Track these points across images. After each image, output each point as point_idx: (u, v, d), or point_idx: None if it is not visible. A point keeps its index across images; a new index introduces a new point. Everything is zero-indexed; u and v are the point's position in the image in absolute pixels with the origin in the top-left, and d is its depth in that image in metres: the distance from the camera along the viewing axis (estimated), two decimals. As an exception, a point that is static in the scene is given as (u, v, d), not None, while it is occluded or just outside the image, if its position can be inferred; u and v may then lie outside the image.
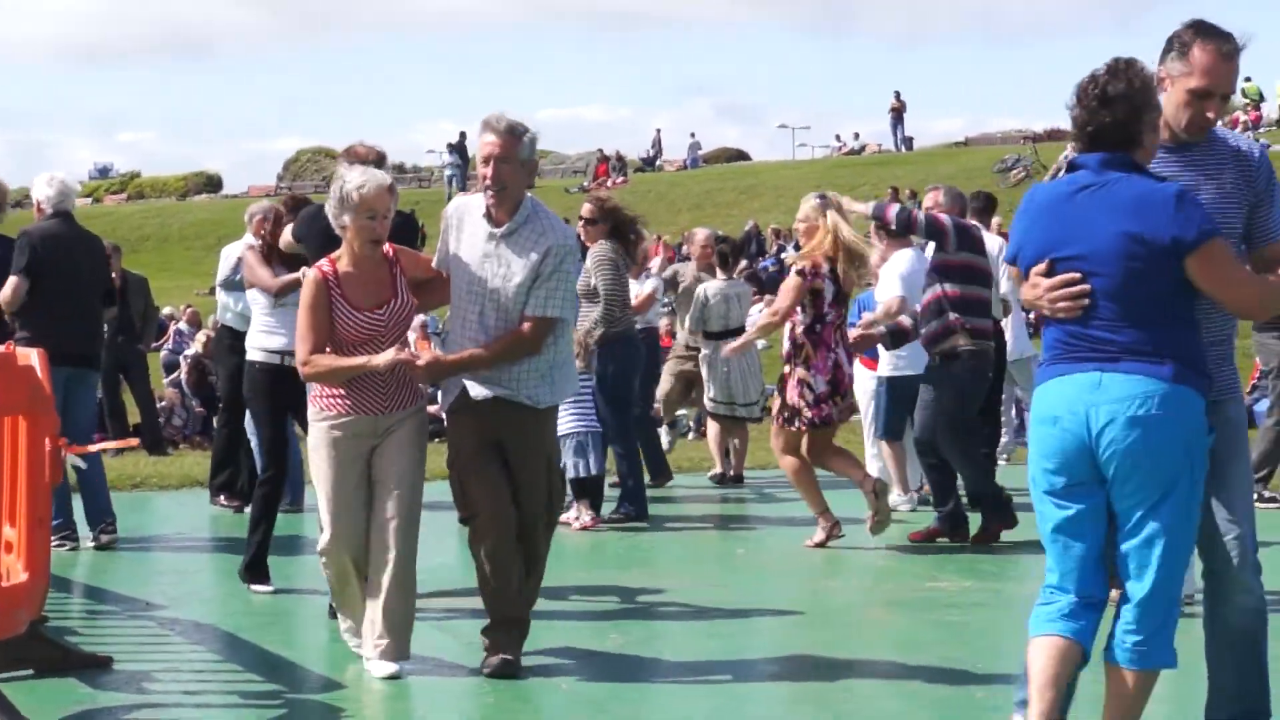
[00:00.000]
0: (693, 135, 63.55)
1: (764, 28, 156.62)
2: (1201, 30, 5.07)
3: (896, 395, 11.66)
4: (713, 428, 14.39)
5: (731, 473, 14.25)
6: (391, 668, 6.56)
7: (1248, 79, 47.75)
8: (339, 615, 6.99)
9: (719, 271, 14.38)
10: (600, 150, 60.66)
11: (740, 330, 13.61)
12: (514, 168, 6.60)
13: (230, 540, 10.38)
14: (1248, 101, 47.20)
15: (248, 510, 10.44)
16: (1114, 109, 4.85)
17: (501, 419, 6.66)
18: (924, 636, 7.50)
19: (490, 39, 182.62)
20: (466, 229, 6.71)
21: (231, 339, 12.05)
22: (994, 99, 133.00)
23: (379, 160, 7.65)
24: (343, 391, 6.64)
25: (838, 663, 6.88)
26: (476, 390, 6.65)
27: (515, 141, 6.58)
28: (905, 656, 7.00)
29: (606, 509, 11.51)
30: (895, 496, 11.72)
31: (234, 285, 11.76)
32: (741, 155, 67.18)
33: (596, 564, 9.75)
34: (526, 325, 6.60)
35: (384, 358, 6.50)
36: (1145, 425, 4.69)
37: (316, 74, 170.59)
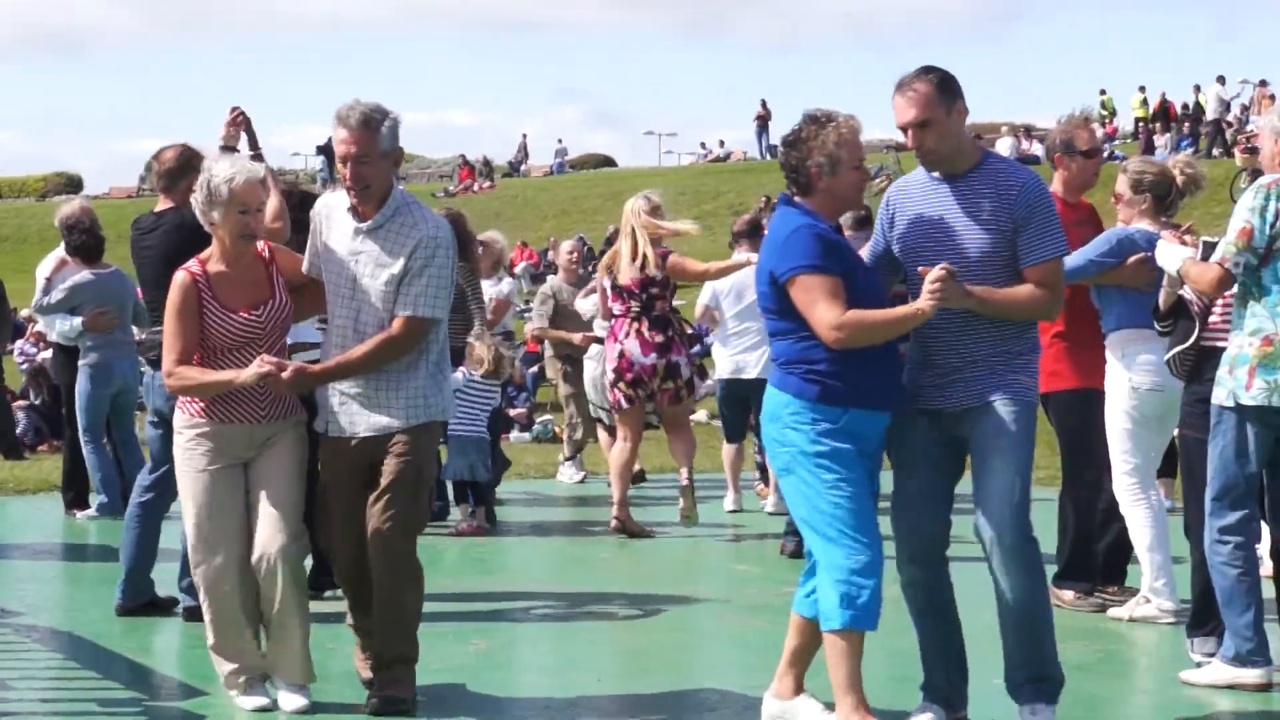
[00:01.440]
0: (560, 141, 63.60)
1: (639, 34, 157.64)
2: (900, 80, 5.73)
3: (731, 397, 12.06)
4: (605, 436, 14.42)
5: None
6: (300, 701, 6.14)
7: (1102, 91, 48.70)
8: (215, 659, 6.30)
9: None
10: (463, 155, 60.46)
11: None
12: (375, 164, 6.06)
13: (87, 547, 10.22)
14: (1105, 114, 48.03)
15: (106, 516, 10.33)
16: (787, 155, 5.70)
17: (376, 443, 6.16)
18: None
19: (360, 41, 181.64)
20: (334, 228, 6.22)
21: (64, 356, 11.95)
22: (864, 108, 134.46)
23: (189, 159, 7.50)
24: (213, 398, 6.16)
25: (699, 664, 6.91)
26: (343, 426, 6.20)
27: (372, 135, 6.03)
28: (762, 658, 7.04)
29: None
30: (729, 500, 12.32)
31: (52, 309, 11.64)
32: (608, 161, 67.27)
33: (443, 572, 9.67)
34: (397, 325, 6.07)
35: (249, 373, 5.99)
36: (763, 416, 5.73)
37: (184, 74, 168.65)
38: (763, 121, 57.68)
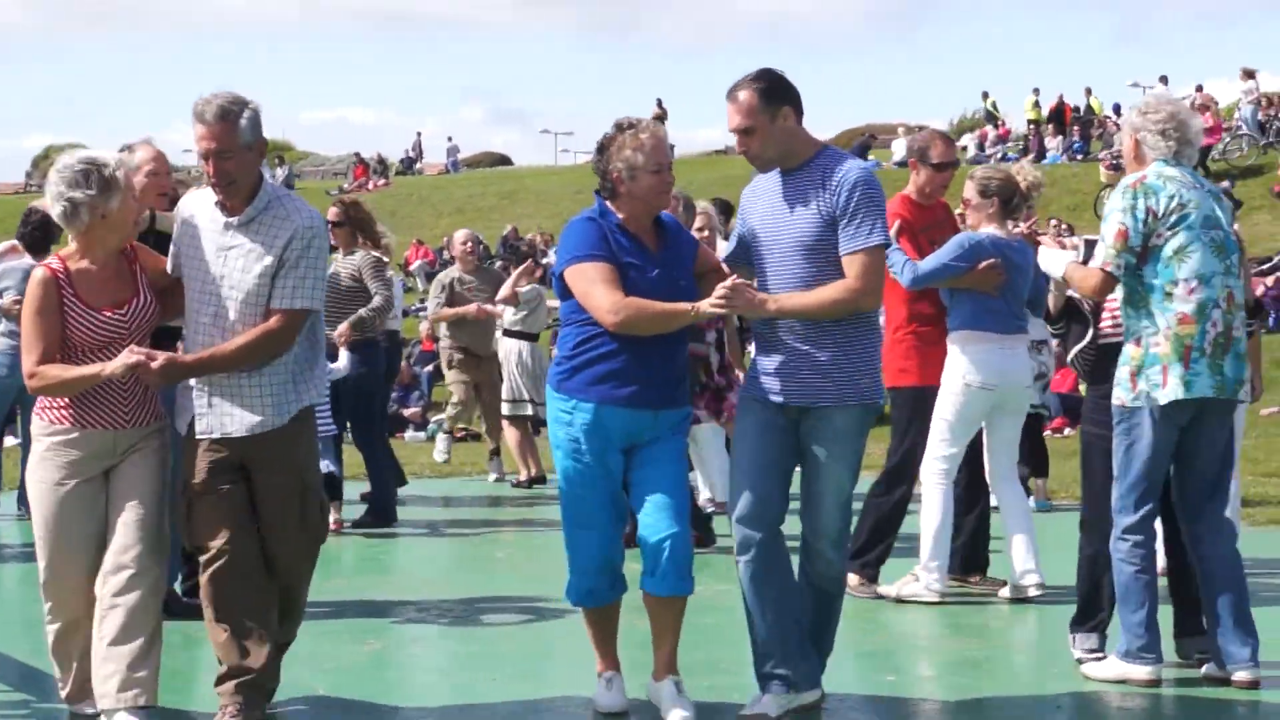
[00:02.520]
0: (450, 139, 63.30)
1: (546, 33, 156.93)
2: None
3: None
4: (512, 432, 14.56)
5: (534, 473, 14.45)
6: None
7: (985, 94, 49.16)
8: (60, 678, 6.08)
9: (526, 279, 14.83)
10: (358, 154, 60.10)
11: (537, 335, 14.32)
12: (238, 158, 5.79)
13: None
14: (999, 116, 48.51)
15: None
16: (596, 160, 5.99)
17: (249, 444, 5.92)
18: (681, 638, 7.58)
19: (259, 38, 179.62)
20: (200, 225, 5.93)
21: None
22: None
23: None
24: (74, 401, 5.83)
25: (594, 663, 6.92)
26: (211, 426, 5.92)
27: (231, 128, 5.76)
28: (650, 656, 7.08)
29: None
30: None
31: None
32: (504, 160, 67.09)
33: (338, 571, 9.66)
34: (274, 319, 5.82)
35: (118, 363, 5.68)
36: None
37: (71, 71, 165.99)
38: (658, 121, 57.74)
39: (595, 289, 5.79)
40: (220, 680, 5.88)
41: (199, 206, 5.98)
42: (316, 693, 6.40)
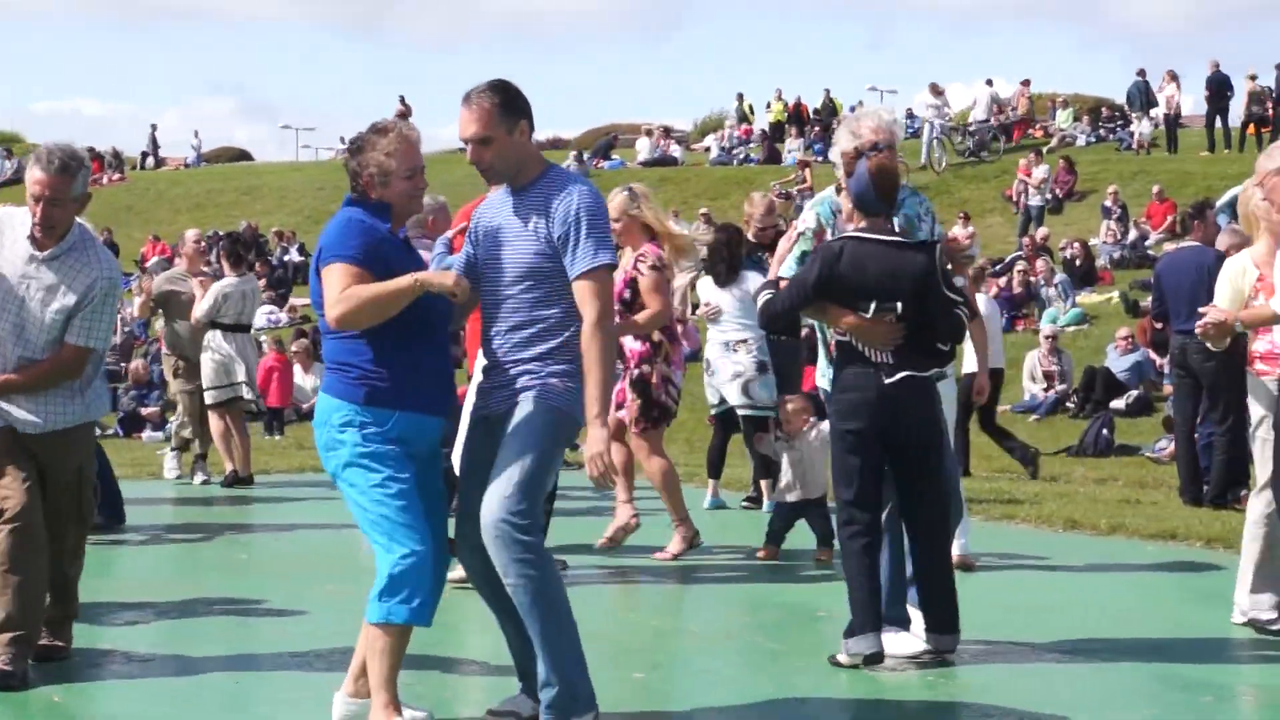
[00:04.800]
0: (196, 135, 61.98)
1: (298, 28, 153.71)
2: None
3: None
4: (216, 424, 14.34)
5: (240, 472, 14.24)
6: None
7: (740, 96, 49.85)
8: None
9: (229, 269, 14.73)
10: (92, 147, 58.52)
11: (249, 327, 14.26)
12: (65, 207, 6.50)
13: None
14: (752, 119, 49.16)
15: None
16: (348, 161, 5.86)
17: (34, 439, 6.57)
18: (429, 636, 7.51)
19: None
20: (6, 246, 6.55)
21: None
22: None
23: None
24: None
25: (318, 662, 6.81)
26: (5, 420, 6.57)
27: (68, 181, 6.47)
28: (410, 661, 6.99)
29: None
30: None
31: None
32: (245, 155, 66.00)
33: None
34: (69, 352, 6.54)
35: None
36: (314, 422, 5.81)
37: None
38: (402, 119, 57.24)
39: (335, 288, 5.61)
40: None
41: (8, 226, 6.61)
42: (53, 698, 6.20)
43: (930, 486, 7.00)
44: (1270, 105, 35.68)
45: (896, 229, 7.07)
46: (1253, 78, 36.21)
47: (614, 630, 7.80)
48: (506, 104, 5.80)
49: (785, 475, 10.11)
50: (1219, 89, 35.94)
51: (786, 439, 10.18)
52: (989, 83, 41.63)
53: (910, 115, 42.32)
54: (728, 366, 11.77)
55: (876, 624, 6.85)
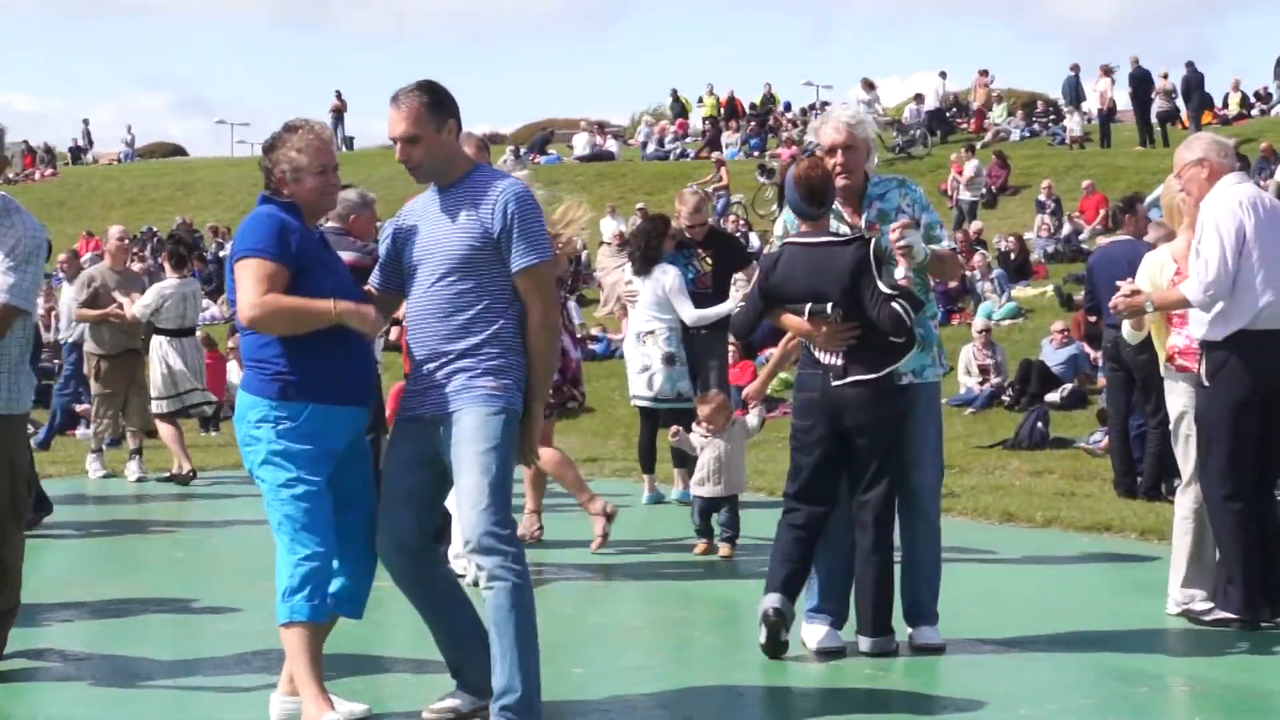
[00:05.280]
0: (129, 129, 61.55)
1: (238, 21, 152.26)
2: None
3: None
4: (165, 428, 14.36)
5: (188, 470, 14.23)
6: None
7: (674, 91, 49.91)
8: None
9: (170, 270, 14.64)
10: (26, 141, 57.99)
11: (193, 329, 14.25)
12: None
13: None
14: (689, 110, 49.18)
15: None
16: (263, 159, 5.91)
17: None
18: (367, 634, 7.49)
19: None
20: None
21: None
22: (467, 101, 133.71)
23: None
24: None
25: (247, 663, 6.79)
26: None
27: None
28: (340, 654, 6.97)
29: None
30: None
31: None
32: (179, 150, 65.56)
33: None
34: None
35: None
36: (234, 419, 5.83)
37: None
38: (338, 113, 57.08)
39: (249, 284, 5.63)
40: None
41: None
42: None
43: (873, 492, 7.04)
44: (1178, 102, 36.22)
45: (835, 228, 7.15)
46: (1164, 76, 36.72)
47: (551, 626, 7.76)
48: (434, 104, 5.83)
49: (700, 469, 10.07)
50: (1140, 85, 36.31)
51: (706, 435, 10.09)
52: (942, 75, 41.84)
53: (845, 110, 42.39)
54: (637, 358, 11.79)
55: (783, 586, 6.99)
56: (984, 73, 43.04)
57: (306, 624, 5.65)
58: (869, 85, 40.00)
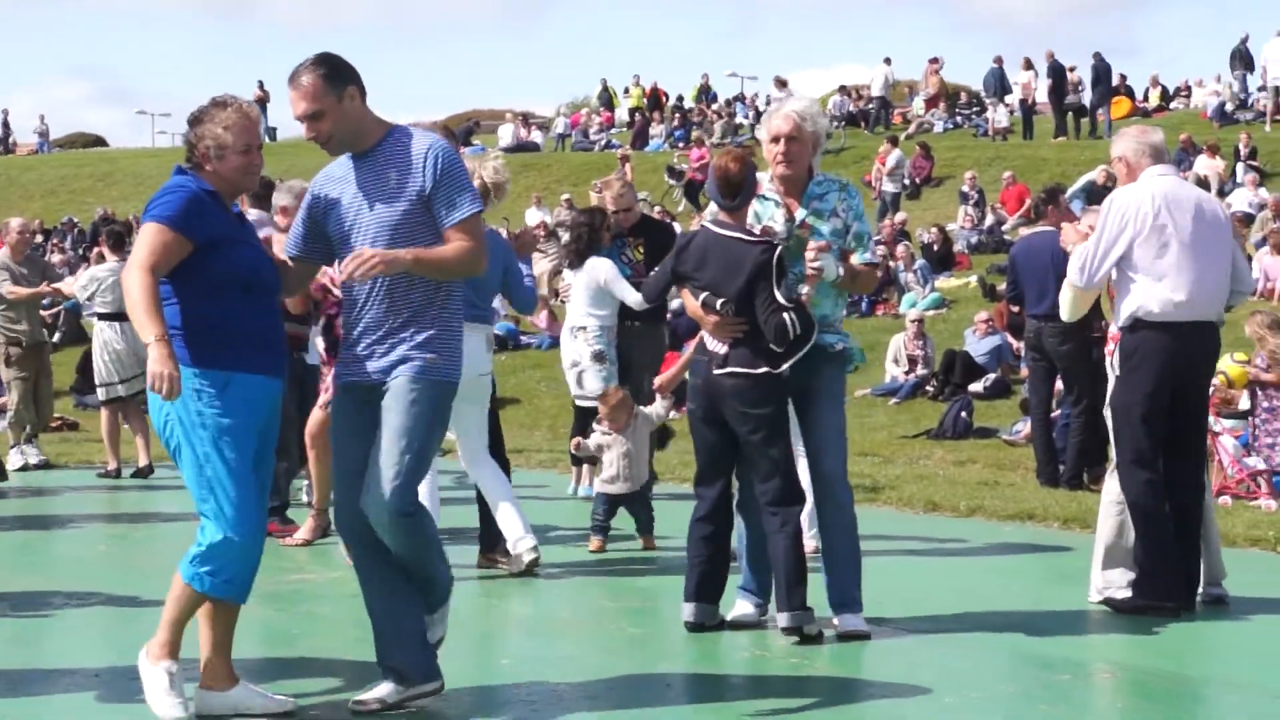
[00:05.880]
0: (42, 119, 60.79)
1: (161, 10, 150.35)
2: None
3: None
4: (107, 420, 14.34)
5: (143, 463, 14.10)
6: None
7: (603, 81, 49.83)
8: None
9: (109, 253, 14.78)
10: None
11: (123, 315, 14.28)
12: None
13: None
14: (617, 102, 49.10)
15: None
16: (187, 132, 5.85)
17: None
18: (295, 628, 7.46)
19: None
20: None
21: None
22: (393, 93, 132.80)
23: None
24: None
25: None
26: None
27: None
28: (270, 648, 6.94)
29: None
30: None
31: None
32: (99, 141, 64.92)
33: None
34: None
35: None
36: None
37: None
38: (260, 104, 56.64)
39: (144, 248, 5.62)
40: None
41: None
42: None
43: (769, 482, 7.12)
44: (1078, 93, 36.68)
45: (751, 223, 7.29)
46: (1071, 69, 37.11)
47: (478, 617, 7.78)
48: (330, 74, 5.82)
49: (609, 468, 9.97)
50: (1058, 78, 36.65)
51: (608, 434, 10.00)
52: (887, 61, 41.91)
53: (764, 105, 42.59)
54: (568, 354, 11.75)
55: (696, 595, 7.25)
56: (934, 60, 43.10)
57: (199, 594, 5.69)
58: (781, 83, 40.25)
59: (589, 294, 11.47)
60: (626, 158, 37.55)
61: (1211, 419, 11.10)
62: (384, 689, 5.89)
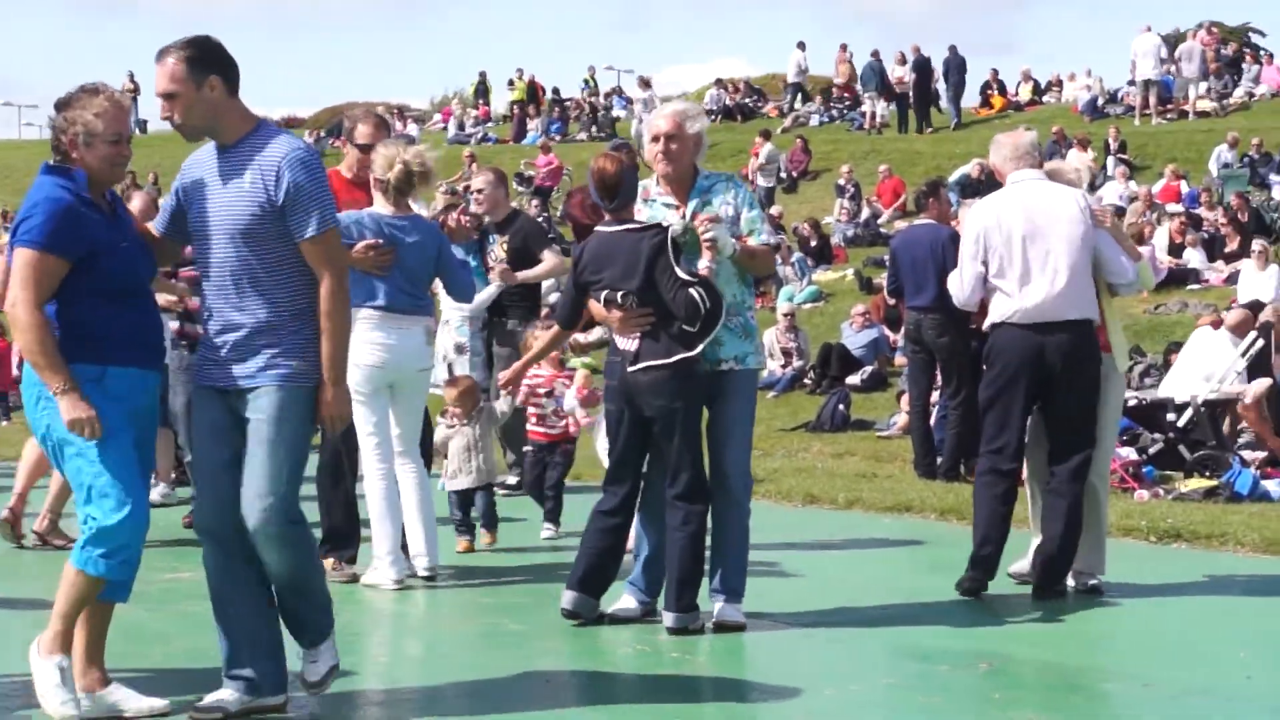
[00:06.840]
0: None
1: (38, 4, 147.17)
2: None
3: None
4: None
5: None
6: None
7: (482, 74, 49.59)
8: None
9: None
10: None
11: None
12: None
13: None
14: (490, 93, 48.94)
15: None
16: (53, 119, 5.67)
17: None
18: (168, 628, 7.34)
19: None
20: None
21: None
22: (269, 86, 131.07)
23: None
24: None
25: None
26: None
27: None
28: (143, 648, 6.81)
29: None
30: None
31: None
32: (-37, 133, 63.80)
33: None
34: None
35: None
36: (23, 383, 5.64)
37: None
38: (131, 96, 55.96)
39: (19, 281, 5.49)
40: None
41: None
42: None
43: (681, 477, 7.15)
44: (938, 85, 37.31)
45: (640, 217, 7.34)
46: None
47: (357, 616, 7.68)
48: (195, 59, 5.65)
49: (450, 462, 9.73)
50: (922, 73, 37.13)
51: (453, 424, 9.74)
52: (800, 45, 42.02)
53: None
54: (439, 346, 11.67)
55: (580, 585, 7.29)
56: (844, 48, 43.20)
57: (95, 577, 5.58)
58: (645, 83, 40.54)
59: None
60: (473, 157, 37.07)
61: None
62: (227, 695, 5.72)
